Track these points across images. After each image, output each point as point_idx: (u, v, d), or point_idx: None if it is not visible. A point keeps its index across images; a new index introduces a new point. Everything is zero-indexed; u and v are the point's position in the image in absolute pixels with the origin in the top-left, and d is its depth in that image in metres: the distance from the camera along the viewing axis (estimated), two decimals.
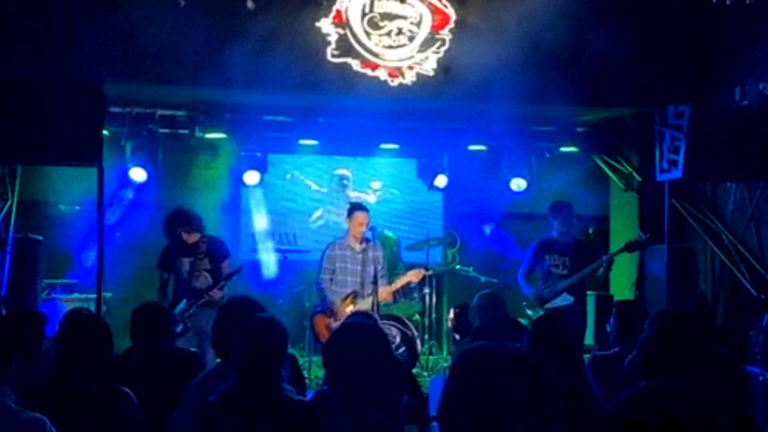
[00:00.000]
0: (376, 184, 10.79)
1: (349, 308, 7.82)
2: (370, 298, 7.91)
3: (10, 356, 3.34)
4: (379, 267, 8.05)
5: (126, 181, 9.29)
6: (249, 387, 3.27)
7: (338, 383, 3.10)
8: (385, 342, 3.24)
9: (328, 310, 7.98)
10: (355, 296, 8.04)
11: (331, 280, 8.11)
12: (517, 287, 8.33)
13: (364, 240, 8.08)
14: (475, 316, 6.24)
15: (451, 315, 7.92)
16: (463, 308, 7.25)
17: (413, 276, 8.53)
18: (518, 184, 10.07)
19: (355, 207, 8.29)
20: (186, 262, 7.69)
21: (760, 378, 4.01)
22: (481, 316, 6.20)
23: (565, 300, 7.84)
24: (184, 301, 7.55)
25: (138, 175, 9.19)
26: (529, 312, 8.35)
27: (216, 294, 7.53)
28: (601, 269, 8.04)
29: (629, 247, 8.23)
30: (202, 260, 7.66)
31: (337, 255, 8.12)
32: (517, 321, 5.59)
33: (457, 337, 6.37)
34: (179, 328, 7.36)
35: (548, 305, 7.85)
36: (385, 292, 8.14)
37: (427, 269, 8.70)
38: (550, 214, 8.17)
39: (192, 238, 7.69)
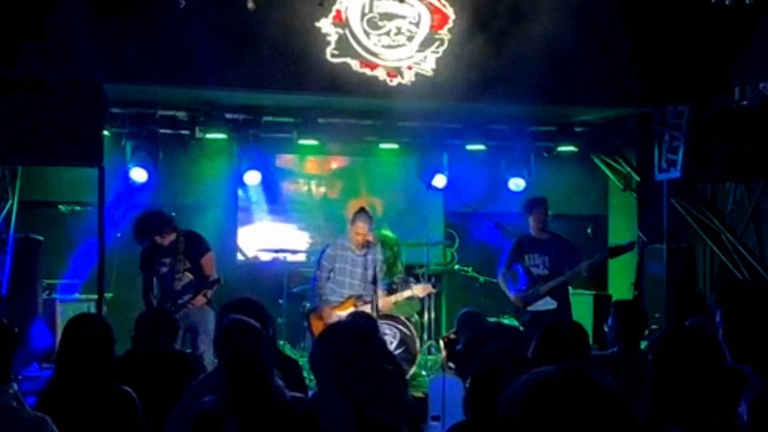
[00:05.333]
0: (375, 184, 10.79)
1: (350, 310, 7.81)
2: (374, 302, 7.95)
3: (9, 356, 3.35)
4: (378, 269, 8.05)
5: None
6: (240, 390, 3.26)
7: (323, 385, 3.08)
8: (369, 341, 3.16)
9: (319, 310, 7.97)
10: (357, 299, 8.04)
11: (328, 278, 8.12)
12: None
13: (366, 243, 8.08)
14: (461, 337, 6.31)
15: (442, 345, 7.94)
16: (451, 337, 7.28)
17: (419, 291, 8.53)
18: (516, 183, 10.07)
19: (358, 213, 8.11)
20: (165, 263, 7.43)
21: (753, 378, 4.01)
22: (464, 333, 6.27)
23: (548, 304, 7.63)
24: (169, 304, 7.31)
25: (138, 175, 9.19)
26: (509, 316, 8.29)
27: (200, 301, 7.25)
28: (585, 274, 7.78)
29: (611, 253, 7.98)
30: (182, 261, 7.40)
31: (337, 254, 8.11)
32: (500, 324, 5.60)
33: (452, 365, 6.40)
34: None
35: (531, 308, 7.66)
36: (386, 301, 8.16)
37: (434, 287, 8.64)
38: (524, 211, 7.96)
39: (167, 239, 7.40)
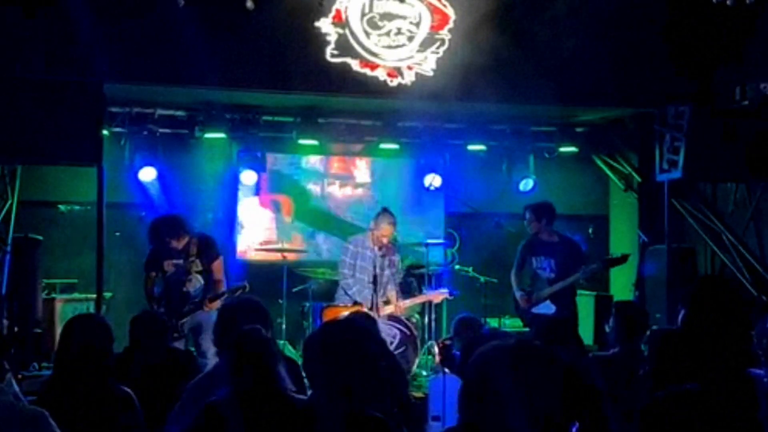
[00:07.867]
0: (375, 184, 10.77)
1: (364, 310, 7.80)
2: (390, 305, 7.99)
3: (1, 356, 3.36)
4: (394, 270, 8.06)
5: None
6: (248, 388, 3.26)
7: (316, 385, 3.06)
8: (361, 340, 3.12)
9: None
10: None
11: (352, 275, 8.11)
12: None
13: (386, 244, 8.05)
14: (457, 342, 6.32)
15: (436, 350, 7.94)
16: (446, 343, 7.30)
17: (434, 297, 8.51)
18: (526, 183, 10.07)
19: (385, 215, 8.04)
20: (175, 264, 7.34)
21: (765, 380, 4.00)
22: (460, 339, 6.28)
23: (547, 309, 7.58)
24: (175, 305, 7.23)
25: (147, 174, 9.20)
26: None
27: (215, 305, 7.06)
28: (582, 281, 7.79)
29: (606, 264, 8.01)
30: (193, 262, 7.31)
31: (359, 252, 8.09)
32: (495, 329, 5.60)
33: (447, 370, 6.40)
34: (174, 335, 7.16)
35: (534, 310, 7.65)
36: (400, 306, 8.16)
37: (450, 294, 8.61)
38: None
39: (181, 242, 7.34)
